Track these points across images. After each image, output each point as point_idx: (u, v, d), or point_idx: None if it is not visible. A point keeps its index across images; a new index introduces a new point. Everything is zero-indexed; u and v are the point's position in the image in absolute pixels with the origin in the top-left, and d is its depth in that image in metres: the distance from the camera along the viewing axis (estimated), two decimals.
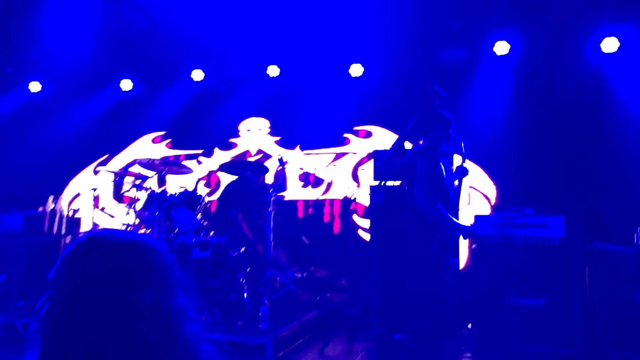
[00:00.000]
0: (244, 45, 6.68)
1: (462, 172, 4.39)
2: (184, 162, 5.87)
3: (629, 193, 5.28)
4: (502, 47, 5.92)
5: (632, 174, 5.34)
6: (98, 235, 1.02)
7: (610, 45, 5.55)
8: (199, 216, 4.73)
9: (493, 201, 6.16)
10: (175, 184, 6.84)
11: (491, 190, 6.21)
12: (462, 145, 4.45)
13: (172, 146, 7.62)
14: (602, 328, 4.22)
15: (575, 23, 5.59)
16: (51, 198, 6.11)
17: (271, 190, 5.44)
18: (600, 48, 5.62)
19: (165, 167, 5.11)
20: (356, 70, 6.59)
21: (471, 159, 6.23)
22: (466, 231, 4.19)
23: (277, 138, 7.21)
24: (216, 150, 7.38)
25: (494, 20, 5.83)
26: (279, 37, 6.45)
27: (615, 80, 5.59)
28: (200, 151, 7.43)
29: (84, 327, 0.90)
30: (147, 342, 0.91)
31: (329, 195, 6.88)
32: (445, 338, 4.52)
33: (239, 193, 5.53)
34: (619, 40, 5.53)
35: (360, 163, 6.79)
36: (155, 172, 5.12)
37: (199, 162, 7.39)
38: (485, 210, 6.09)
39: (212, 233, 4.87)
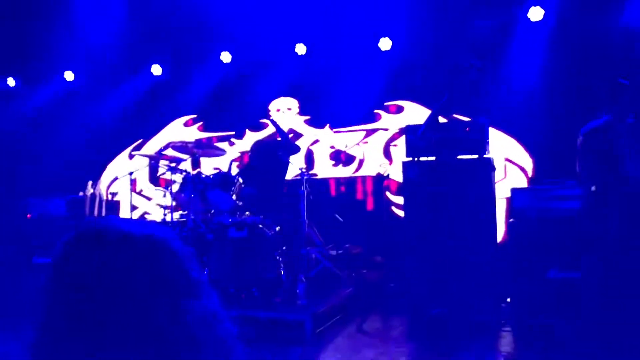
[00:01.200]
0: (270, 25, 6.63)
1: None
2: (217, 144, 5.93)
3: None
4: (536, 13, 5.72)
5: None
6: (94, 228, 0.81)
7: None
8: (233, 197, 4.78)
9: (530, 173, 6.03)
10: (209, 166, 6.92)
11: (527, 162, 6.08)
12: None
13: (204, 129, 7.69)
14: None
15: None
16: (90, 183, 6.27)
17: (302, 169, 5.45)
18: (638, 10, 5.37)
19: (199, 149, 5.16)
20: (385, 44, 6.48)
21: (506, 131, 6.10)
22: None
23: (307, 117, 7.19)
24: (247, 131, 7.41)
25: None
26: (305, 14, 6.39)
27: None
28: (231, 133, 7.48)
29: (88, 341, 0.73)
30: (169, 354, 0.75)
31: (361, 173, 6.85)
32: (485, 312, 4.49)
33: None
34: None
35: (392, 139, 6.72)
36: (189, 155, 5.18)
37: (231, 144, 7.45)
38: (522, 183, 5.97)
39: (247, 213, 4.93)
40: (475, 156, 4.68)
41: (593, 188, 3.85)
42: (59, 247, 0.81)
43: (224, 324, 0.82)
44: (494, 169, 4.76)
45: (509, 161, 6.12)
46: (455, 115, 6.12)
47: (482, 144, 4.67)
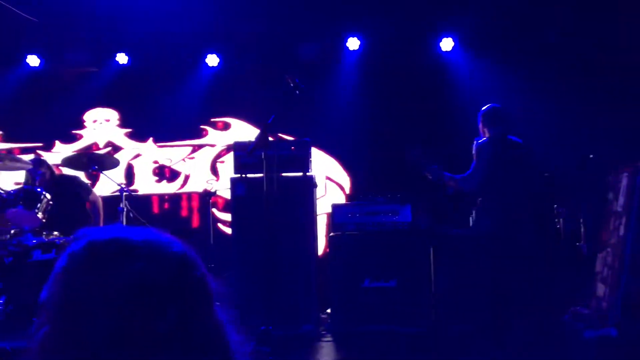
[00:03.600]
0: (88, 30, 6.16)
1: None
2: (20, 157, 5.27)
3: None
4: (353, 43, 6.20)
5: (469, 161, 5.93)
6: (101, 239, 0.75)
7: (447, 44, 6.13)
8: (39, 215, 4.27)
9: (348, 191, 6.45)
10: (9, 181, 6.12)
11: (345, 180, 6.50)
12: None
13: (4, 139, 6.79)
14: (445, 305, 4.65)
15: (417, 22, 6.07)
16: None
17: (122, 185, 5.13)
18: (439, 47, 6.17)
19: None
20: (212, 60, 6.45)
21: (327, 150, 6.46)
22: None
23: (128, 130, 6.78)
24: (57, 143, 6.73)
25: (346, 15, 6.09)
26: (128, 22, 6.07)
27: (454, 76, 6.17)
28: (38, 144, 6.72)
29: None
30: None
31: (187, 189, 6.66)
32: (307, 323, 4.65)
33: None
34: (453, 40, 6.13)
35: (219, 156, 6.67)
36: None
37: (38, 156, 6.68)
38: (341, 200, 6.36)
39: (56, 233, 4.44)
40: (299, 174, 4.87)
41: (479, 200, 4.25)
42: (69, 258, 0.74)
43: (232, 337, 0.80)
44: (315, 185, 5.00)
45: (329, 179, 6.49)
46: (280, 134, 6.31)
47: (305, 162, 4.89)
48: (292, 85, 3.80)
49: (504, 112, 4.33)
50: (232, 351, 0.79)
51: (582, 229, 5.02)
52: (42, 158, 5.52)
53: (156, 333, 0.70)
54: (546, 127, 5.74)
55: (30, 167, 4.77)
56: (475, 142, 4.29)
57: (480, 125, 4.36)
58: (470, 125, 5.11)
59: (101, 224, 5.06)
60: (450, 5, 5.93)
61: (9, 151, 6.49)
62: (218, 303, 0.81)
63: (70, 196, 5.01)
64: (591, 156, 5.33)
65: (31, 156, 6.53)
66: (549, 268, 4.65)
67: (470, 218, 4.89)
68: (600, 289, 4.58)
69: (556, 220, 5.07)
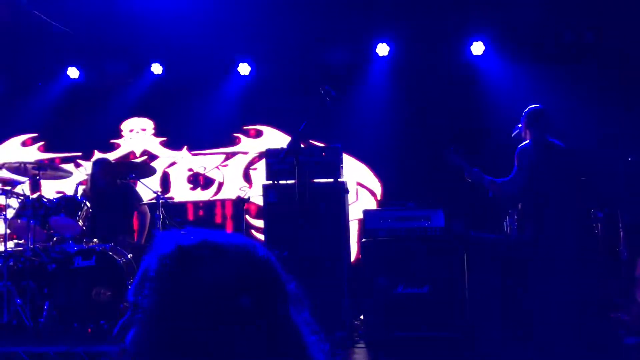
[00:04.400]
0: (124, 41, 6.35)
1: None
2: (61, 166, 5.46)
3: None
4: (383, 49, 6.21)
5: (501, 166, 5.85)
6: (191, 243, 0.78)
7: (477, 48, 6.07)
8: (80, 222, 4.42)
9: (379, 197, 6.44)
10: (51, 189, 6.34)
11: (376, 186, 6.50)
12: None
13: (46, 149, 7.04)
14: (478, 311, 4.60)
15: (447, 27, 6.04)
16: None
17: (158, 193, 5.25)
18: (470, 51, 6.11)
19: (40, 170, 4.71)
20: (244, 69, 6.55)
21: (357, 157, 6.48)
22: None
23: (163, 139, 6.95)
24: (96, 152, 6.94)
25: (375, 21, 6.11)
26: (161, 33, 6.23)
27: (485, 80, 6.11)
28: (78, 154, 6.95)
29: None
30: None
31: (221, 196, 6.77)
32: (340, 330, 4.66)
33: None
34: (484, 44, 6.07)
35: (251, 163, 6.76)
36: (27, 177, 4.71)
37: (78, 166, 6.91)
38: (372, 206, 6.35)
39: (95, 240, 4.59)
40: (331, 180, 4.89)
41: (519, 205, 4.26)
42: (160, 262, 0.77)
43: (314, 340, 0.83)
44: (347, 191, 5.02)
45: (361, 185, 6.49)
46: (311, 141, 6.36)
47: (336, 168, 4.91)
48: (322, 92, 3.83)
49: (547, 114, 4.31)
50: (310, 352, 0.81)
51: (621, 234, 4.89)
52: (108, 160, 5.61)
53: (247, 333, 0.73)
54: (582, 130, 5.62)
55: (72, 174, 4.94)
56: (515, 130, 4.28)
57: (523, 126, 4.35)
58: (501, 129, 5.06)
59: (144, 235, 5.19)
60: (480, 8, 5.88)
61: (51, 161, 6.74)
62: (298, 305, 0.84)
63: (120, 203, 5.15)
64: (630, 159, 5.20)
65: (71, 165, 6.77)
66: (589, 274, 4.55)
67: (505, 223, 4.83)
68: None
69: (594, 225, 4.95)
